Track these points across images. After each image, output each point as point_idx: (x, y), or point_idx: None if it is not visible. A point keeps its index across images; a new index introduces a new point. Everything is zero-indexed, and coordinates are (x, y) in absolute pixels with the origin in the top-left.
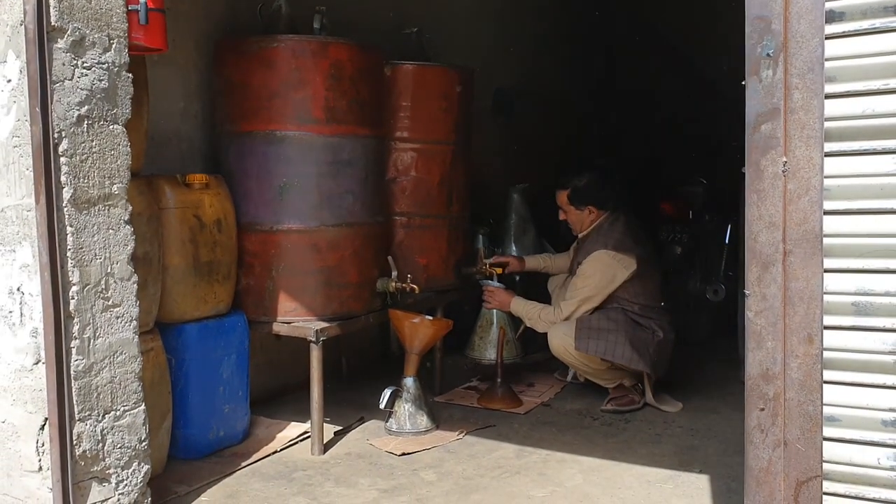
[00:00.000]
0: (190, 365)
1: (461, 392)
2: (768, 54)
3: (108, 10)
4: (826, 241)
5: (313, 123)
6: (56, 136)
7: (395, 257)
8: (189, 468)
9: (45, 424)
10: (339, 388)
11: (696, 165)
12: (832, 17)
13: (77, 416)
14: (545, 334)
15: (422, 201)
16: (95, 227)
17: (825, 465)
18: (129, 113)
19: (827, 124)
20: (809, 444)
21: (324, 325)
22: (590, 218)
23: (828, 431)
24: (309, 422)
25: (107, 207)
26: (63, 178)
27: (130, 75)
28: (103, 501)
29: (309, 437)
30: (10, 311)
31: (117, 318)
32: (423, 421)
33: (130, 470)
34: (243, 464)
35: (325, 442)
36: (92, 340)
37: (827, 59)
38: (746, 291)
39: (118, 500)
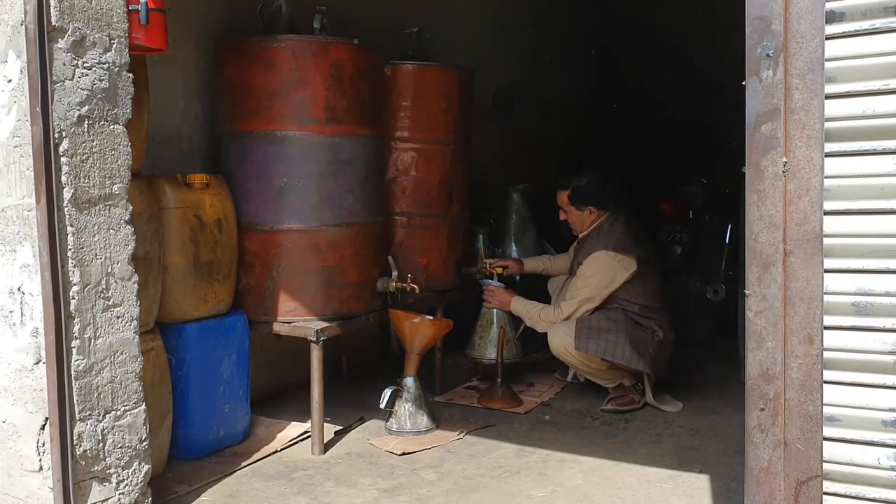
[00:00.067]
0: (190, 365)
1: (461, 392)
2: (768, 55)
3: (108, 10)
4: (826, 241)
5: (313, 123)
6: (57, 136)
7: (396, 257)
8: (189, 468)
9: (45, 424)
10: (340, 387)
11: (696, 165)
12: (832, 17)
13: (77, 416)
14: (545, 334)
15: (422, 201)
16: (96, 227)
17: (825, 465)
18: (130, 113)
19: (827, 125)
20: (809, 444)
21: (324, 324)
22: (590, 218)
23: (828, 431)
24: (309, 421)
25: (107, 207)
26: (63, 178)
27: (131, 75)
28: (104, 501)
29: (309, 436)
30: (11, 311)
31: (118, 317)
32: (424, 421)
33: (131, 470)
34: (243, 463)
35: (325, 442)
36: (92, 340)
37: (827, 60)
38: (747, 291)
39: (119, 499)
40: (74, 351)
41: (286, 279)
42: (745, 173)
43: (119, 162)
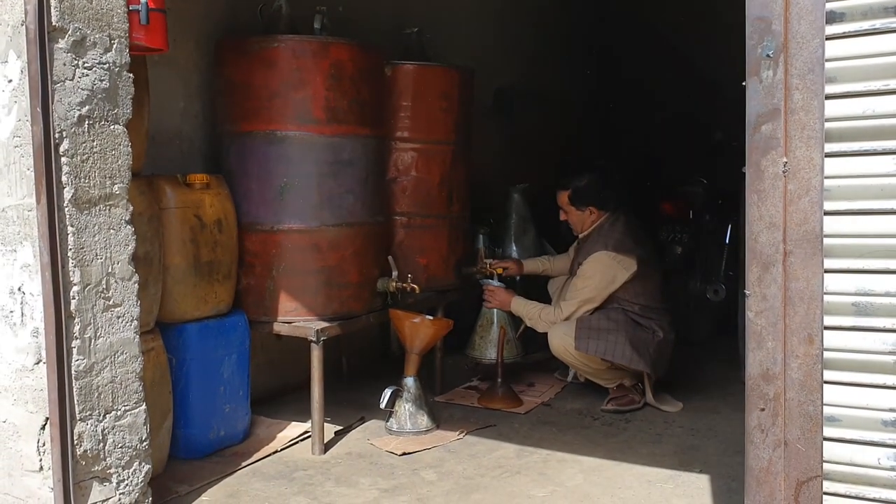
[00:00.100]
0: (191, 365)
1: (461, 392)
2: (769, 55)
3: (108, 10)
4: (826, 241)
5: (314, 123)
6: (57, 136)
7: (396, 257)
8: (190, 468)
9: (45, 424)
10: (340, 387)
11: (696, 165)
12: (833, 17)
13: (78, 416)
14: (545, 334)
15: (422, 201)
16: (96, 227)
17: (825, 465)
18: (130, 113)
19: (827, 125)
20: (810, 444)
21: (324, 324)
22: (590, 219)
23: (828, 431)
24: (309, 421)
25: (108, 207)
26: (64, 178)
27: (131, 75)
28: (104, 501)
29: (309, 436)
30: (11, 311)
31: (118, 317)
32: (424, 421)
33: (131, 470)
34: (244, 463)
35: (325, 441)
36: (93, 340)
37: (827, 60)
38: (747, 291)
39: (119, 499)
40: (75, 351)
41: (286, 279)
42: (745, 173)
43: (119, 162)
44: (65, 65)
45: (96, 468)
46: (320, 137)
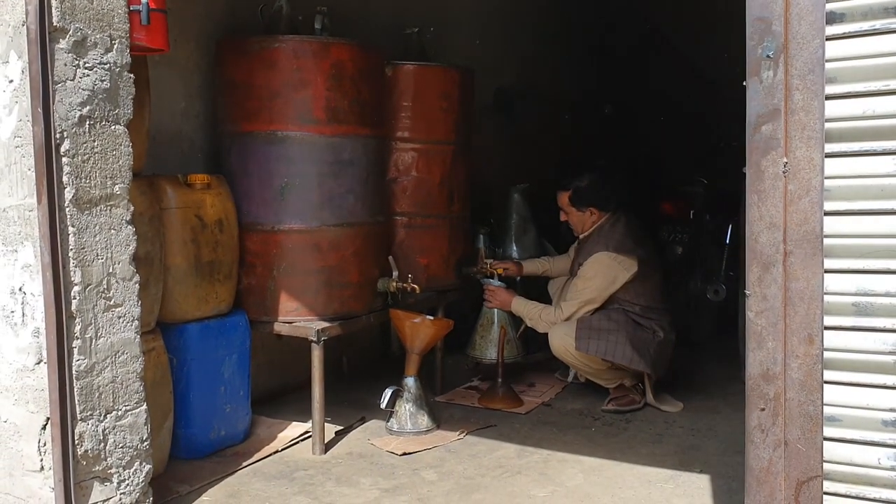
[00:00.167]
0: (191, 365)
1: (462, 392)
2: (769, 55)
3: (109, 10)
4: (826, 241)
5: (314, 123)
6: (58, 136)
7: (396, 257)
8: (190, 468)
9: (46, 424)
10: (340, 387)
11: (696, 165)
12: (833, 18)
13: (79, 416)
14: (546, 334)
15: (422, 201)
16: (97, 228)
17: (825, 465)
18: (131, 113)
19: (827, 125)
20: (810, 444)
21: (325, 324)
22: (591, 219)
23: (828, 431)
24: (310, 421)
25: (108, 207)
26: (65, 179)
27: (132, 76)
28: (105, 501)
29: (310, 436)
30: (12, 311)
31: (119, 318)
32: (424, 421)
33: (132, 470)
34: (244, 463)
35: (326, 441)
36: (94, 340)
37: (827, 61)
38: (747, 292)
39: (120, 499)
40: (76, 351)
41: (287, 279)
42: (745, 173)
43: (120, 162)
44: (66, 65)
45: (97, 468)
46: (321, 137)
